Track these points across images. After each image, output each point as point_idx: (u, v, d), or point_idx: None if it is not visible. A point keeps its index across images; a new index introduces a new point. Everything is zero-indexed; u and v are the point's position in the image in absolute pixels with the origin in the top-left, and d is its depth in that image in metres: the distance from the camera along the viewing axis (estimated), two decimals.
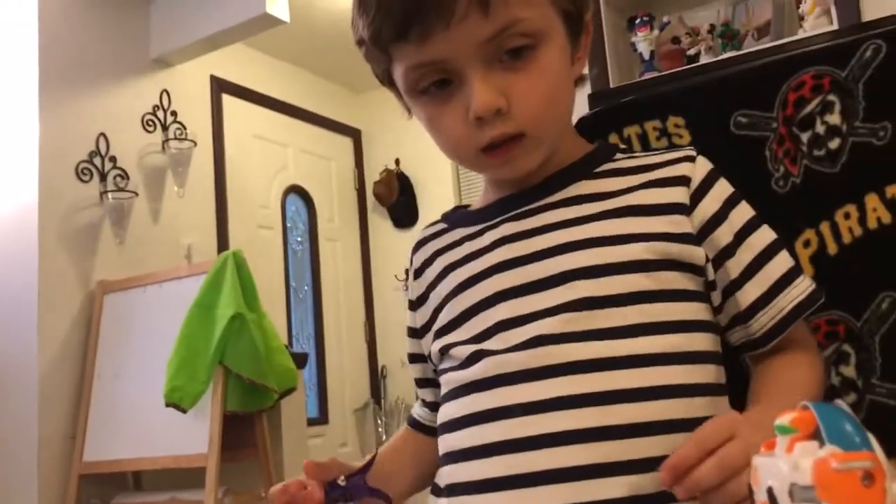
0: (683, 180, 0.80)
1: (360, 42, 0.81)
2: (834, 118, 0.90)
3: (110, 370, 2.99)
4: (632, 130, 1.01)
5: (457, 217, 0.93)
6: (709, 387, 0.74)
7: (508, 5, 0.72)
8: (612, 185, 0.81)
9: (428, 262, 0.90)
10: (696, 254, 0.77)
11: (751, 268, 0.78)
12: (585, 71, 0.87)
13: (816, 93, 0.91)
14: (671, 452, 0.62)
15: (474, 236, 0.86)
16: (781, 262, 0.79)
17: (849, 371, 0.87)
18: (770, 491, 0.35)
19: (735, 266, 0.78)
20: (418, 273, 0.92)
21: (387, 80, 0.84)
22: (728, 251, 0.78)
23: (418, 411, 0.97)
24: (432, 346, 0.85)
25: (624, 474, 0.68)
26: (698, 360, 0.75)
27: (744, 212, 0.80)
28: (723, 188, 0.81)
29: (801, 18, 2.51)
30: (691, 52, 2.71)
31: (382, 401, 4.70)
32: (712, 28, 2.73)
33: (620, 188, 0.81)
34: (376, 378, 4.78)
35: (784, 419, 0.37)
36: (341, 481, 0.76)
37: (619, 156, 0.86)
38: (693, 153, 0.83)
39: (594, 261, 0.76)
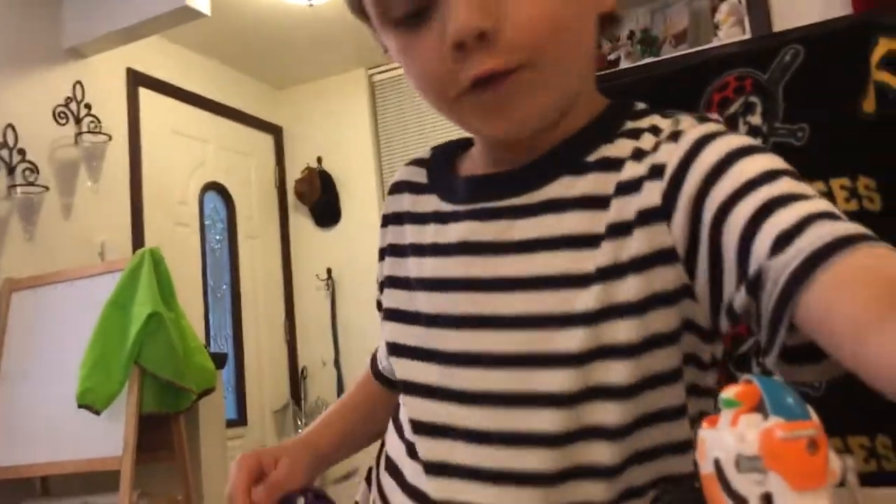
0: (656, 172, 0.60)
1: None
2: (756, 119, 0.94)
3: (18, 371, 2.87)
4: None
5: (439, 172, 0.74)
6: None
7: None
8: (600, 188, 0.61)
9: (397, 219, 0.76)
10: (681, 274, 0.58)
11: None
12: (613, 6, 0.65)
13: (739, 94, 0.95)
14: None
15: (441, 219, 0.71)
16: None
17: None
18: (717, 462, 0.37)
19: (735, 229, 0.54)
20: (386, 221, 0.78)
21: (358, 11, 0.67)
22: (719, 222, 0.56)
23: (385, 364, 0.84)
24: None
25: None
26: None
27: (733, 179, 0.56)
28: (708, 157, 0.58)
29: (717, 27, 2.61)
30: (612, 56, 2.78)
31: (302, 402, 4.65)
32: (632, 34, 2.80)
33: (608, 192, 0.61)
34: (296, 378, 4.72)
35: (728, 393, 0.38)
36: (300, 499, 0.73)
37: (628, 124, 0.64)
38: (679, 129, 0.61)
39: (553, 309, 0.60)
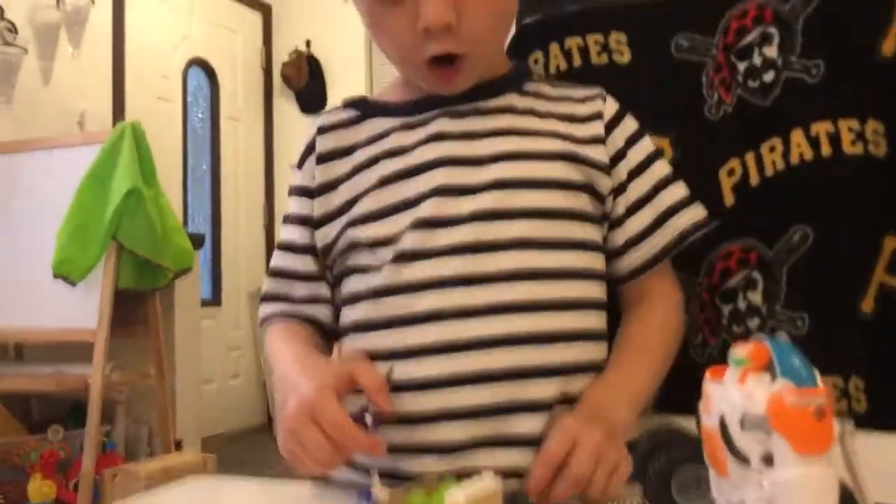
0: (598, 115, 0.85)
1: None
2: (771, 51, 0.92)
3: None
4: (573, 42, 1.00)
5: (370, 106, 0.89)
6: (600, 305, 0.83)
7: None
8: (541, 107, 0.85)
9: (344, 151, 0.86)
10: (605, 182, 0.83)
11: (636, 203, 0.84)
12: None
13: (757, 24, 0.92)
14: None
15: (404, 128, 0.84)
16: (672, 194, 0.85)
17: (755, 297, 0.92)
18: (721, 418, 0.37)
19: (622, 202, 0.84)
20: (324, 158, 0.87)
21: None
22: (620, 188, 0.84)
23: (319, 309, 0.88)
24: (341, 236, 0.83)
25: (552, 377, 0.75)
26: (596, 277, 0.83)
27: (641, 149, 0.86)
28: (628, 125, 0.86)
29: None
30: None
31: None
32: None
33: (548, 111, 0.84)
34: None
35: (738, 351, 0.39)
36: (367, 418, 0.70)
37: (536, 77, 0.90)
38: (604, 92, 0.87)
39: (525, 174, 0.79)
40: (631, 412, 0.76)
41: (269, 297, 0.89)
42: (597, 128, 0.84)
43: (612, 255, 0.84)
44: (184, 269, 2.88)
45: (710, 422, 0.38)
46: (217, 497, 0.78)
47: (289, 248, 0.88)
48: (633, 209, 0.84)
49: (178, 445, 3.05)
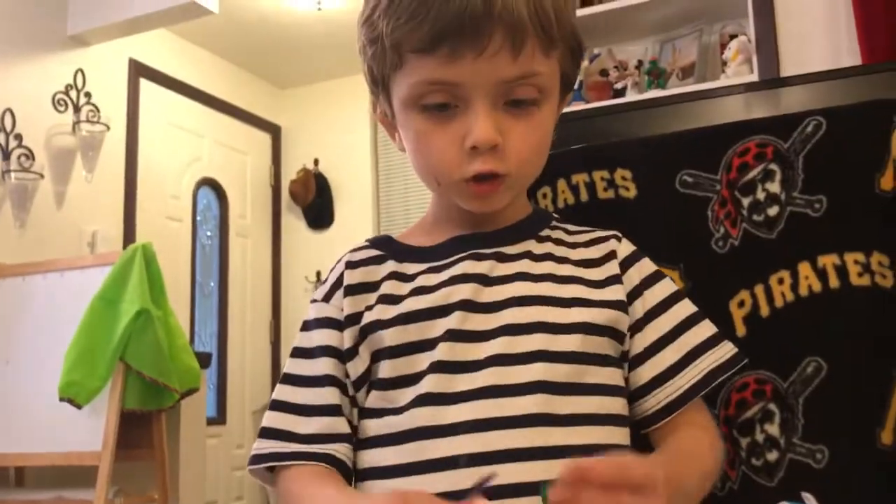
0: (613, 255, 0.86)
1: (373, 40, 0.80)
2: (774, 187, 0.95)
3: (1, 358, 2.84)
4: (580, 178, 1.03)
5: (395, 247, 0.90)
6: (624, 448, 0.80)
7: (534, 56, 0.77)
8: (558, 252, 0.86)
9: (371, 286, 0.86)
10: (624, 320, 0.83)
11: (658, 342, 0.83)
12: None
13: (759, 161, 0.96)
14: None
15: (432, 270, 0.85)
16: (693, 336, 0.84)
17: (773, 429, 0.91)
18: None
19: (640, 342, 0.83)
20: (353, 290, 0.86)
21: (379, 84, 0.84)
22: (637, 326, 0.84)
23: (336, 447, 0.82)
24: (369, 369, 0.82)
25: None
26: (618, 422, 0.80)
27: (661, 289, 0.86)
28: (645, 265, 0.87)
29: (724, 64, 2.62)
30: (618, 85, 2.79)
31: None
32: (640, 64, 2.81)
33: (564, 256, 0.86)
34: (278, 380, 4.70)
35: None
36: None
37: (554, 223, 0.91)
38: (619, 234, 0.89)
39: (545, 318, 0.80)
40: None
41: (270, 433, 0.84)
42: (612, 268, 0.85)
43: (636, 396, 0.83)
44: (190, 390, 2.87)
45: None
46: None
47: (308, 381, 0.84)
48: (653, 349, 0.83)
49: None
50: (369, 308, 0.85)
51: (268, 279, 4.76)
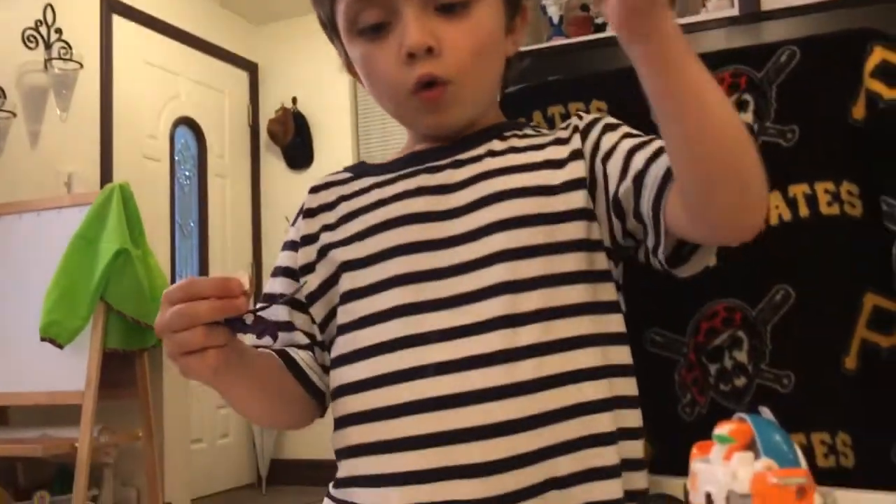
0: (575, 129, 0.85)
1: None
2: (747, 117, 0.95)
3: None
4: (556, 110, 1.03)
5: (364, 167, 0.93)
6: (611, 337, 0.79)
7: None
8: (521, 143, 0.86)
9: (328, 206, 0.89)
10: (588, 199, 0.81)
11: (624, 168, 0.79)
12: (519, 49, 0.90)
13: (733, 91, 0.96)
14: (579, 403, 0.70)
15: (385, 184, 0.86)
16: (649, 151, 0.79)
17: (741, 356, 0.93)
18: (708, 496, 0.38)
19: (615, 166, 0.80)
20: (311, 213, 0.90)
21: (329, 27, 0.88)
22: (605, 158, 0.81)
23: (301, 355, 0.86)
24: (324, 284, 0.85)
25: (533, 429, 0.72)
26: (601, 310, 0.79)
27: (619, 132, 0.83)
28: (603, 122, 0.85)
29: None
30: (599, 20, 2.76)
31: None
32: None
33: (528, 146, 0.86)
34: None
35: (723, 429, 0.40)
36: (248, 319, 0.70)
37: (527, 130, 0.89)
38: (581, 113, 0.88)
39: (506, 214, 0.79)
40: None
41: None
42: (575, 142, 0.84)
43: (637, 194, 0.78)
44: None
45: (697, 499, 0.39)
46: None
47: (269, 297, 0.89)
48: (628, 156, 0.79)
49: None
50: (328, 227, 0.87)
51: (248, 219, 4.74)
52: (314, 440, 4.33)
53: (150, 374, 2.89)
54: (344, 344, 0.82)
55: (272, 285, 0.90)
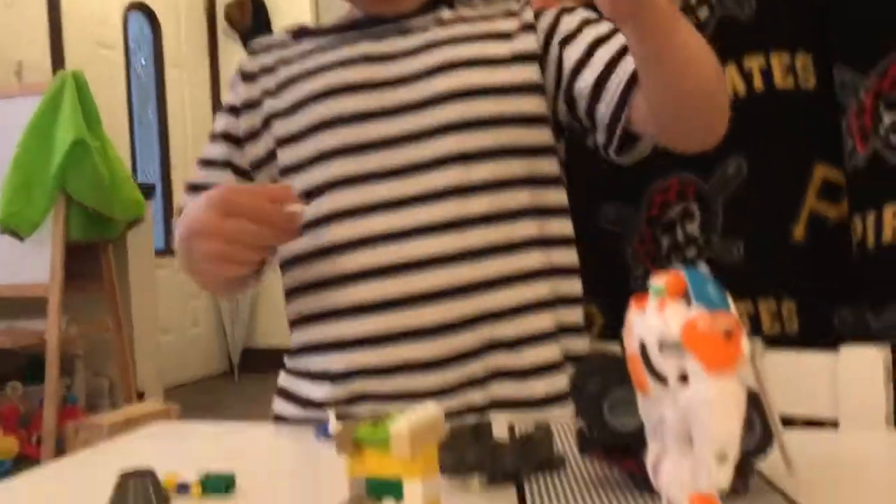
0: (527, 2, 0.86)
1: None
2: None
3: None
4: None
5: (305, 30, 0.90)
6: (552, 209, 0.81)
7: None
8: (469, 13, 0.85)
9: (268, 70, 0.87)
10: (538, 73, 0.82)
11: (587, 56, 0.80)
12: None
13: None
14: (521, 269, 0.72)
15: (327, 49, 0.85)
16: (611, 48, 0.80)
17: (693, 228, 0.95)
18: (642, 344, 0.40)
19: (574, 50, 0.81)
20: (251, 77, 0.88)
21: None
22: (565, 41, 0.82)
23: None
24: (269, 154, 0.85)
25: (479, 293, 0.75)
26: (544, 183, 0.81)
27: (576, 16, 0.84)
28: (559, 10, 0.85)
29: None
30: None
31: None
32: None
33: (477, 15, 0.84)
34: None
35: (657, 281, 0.41)
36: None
37: (476, 1, 0.88)
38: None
39: (459, 84, 0.78)
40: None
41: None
42: (527, 15, 0.83)
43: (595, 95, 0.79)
44: (135, 220, 2.86)
45: (632, 347, 0.41)
46: (180, 441, 0.80)
47: (209, 163, 0.89)
48: (591, 50, 0.80)
49: (141, 396, 3.06)
50: (269, 93, 0.86)
51: (208, 108, 4.64)
52: (285, 329, 4.39)
53: (116, 265, 2.89)
54: None
55: (212, 150, 0.89)
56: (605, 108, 0.77)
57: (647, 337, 0.40)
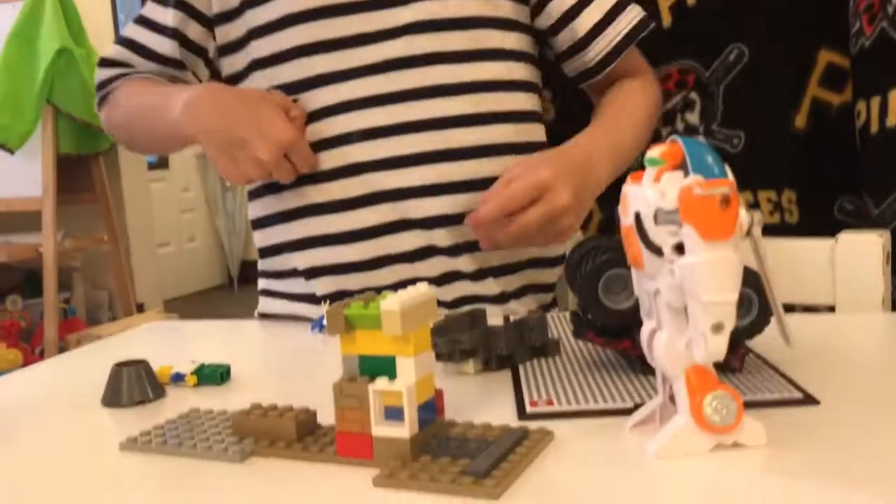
0: None
1: None
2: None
3: None
4: None
5: None
6: (532, 114, 0.81)
7: None
8: None
9: None
10: None
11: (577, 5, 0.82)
12: None
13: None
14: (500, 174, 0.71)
15: None
16: None
17: (693, 118, 0.93)
18: (637, 216, 0.39)
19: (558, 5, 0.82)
20: None
21: None
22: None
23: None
24: (241, 41, 0.81)
25: (457, 193, 0.75)
26: (523, 88, 0.80)
27: None
28: None
29: None
30: None
31: None
32: None
33: None
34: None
35: (654, 152, 0.40)
36: None
37: None
38: None
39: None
40: (611, 168, 0.76)
41: (110, 63, 0.87)
42: None
43: (569, 54, 0.83)
44: None
45: (627, 221, 0.40)
46: (176, 337, 0.80)
47: (156, 27, 0.84)
48: (575, 10, 0.82)
49: (140, 308, 3.08)
50: None
51: None
52: None
53: (108, 178, 2.86)
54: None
55: (156, 12, 0.84)
56: (573, 72, 0.84)
57: (642, 208, 0.39)
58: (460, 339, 0.54)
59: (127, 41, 0.86)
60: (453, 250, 0.76)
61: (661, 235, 0.38)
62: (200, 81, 0.86)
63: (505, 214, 0.68)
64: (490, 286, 0.78)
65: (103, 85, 0.88)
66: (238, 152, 0.70)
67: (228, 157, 0.71)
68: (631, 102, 0.82)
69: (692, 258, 0.37)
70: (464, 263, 0.76)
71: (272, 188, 0.79)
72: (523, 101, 0.80)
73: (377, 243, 0.75)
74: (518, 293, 0.80)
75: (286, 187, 0.77)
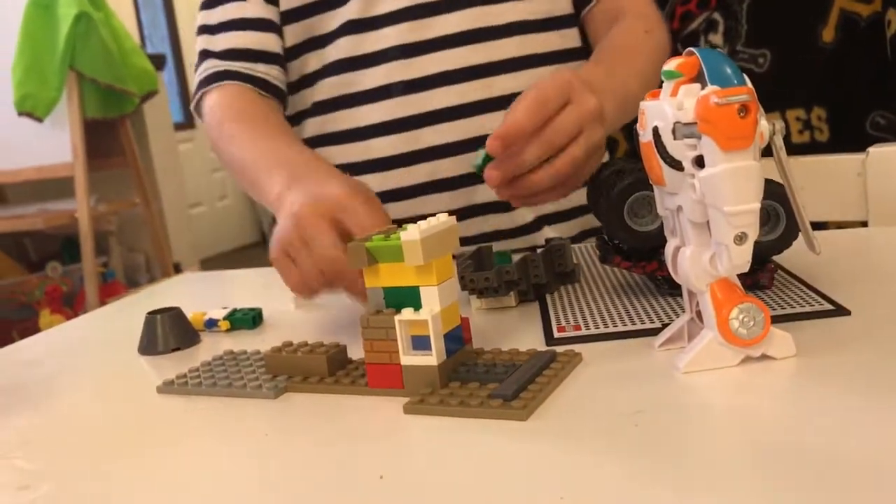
0: None
1: None
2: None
3: None
4: None
5: None
6: (577, 51, 0.78)
7: None
8: None
9: None
10: None
11: None
12: None
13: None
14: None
15: None
16: None
17: (716, 39, 0.91)
18: (655, 130, 0.38)
19: None
20: None
21: None
22: None
23: (262, 69, 0.78)
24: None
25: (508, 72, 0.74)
26: (564, 24, 0.78)
27: None
28: None
29: None
30: None
31: None
32: None
33: None
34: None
35: (670, 64, 0.39)
36: None
37: None
38: None
39: None
40: (615, 109, 0.64)
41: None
42: None
43: None
44: (149, 93, 2.82)
45: (645, 137, 0.39)
46: (210, 286, 0.82)
47: (247, 25, 0.78)
48: None
49: (177, 268, 3.13)
50: None
51: None
52: None
53: (137, 140, 2.88)
54: (301, 65, 0.80)
55: (244, 9, 0.79)
56: None
57: (660, 122, 0.38)
58: (506, 269, 0.54)
59: (223, 52, 0.80)
60: (498, 207, 0.74)
61: (680, 149, 0.38)
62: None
63: (537, 118, 0.55)
64: (548, 235, 0.77)
65: (200, 85, 0.82)
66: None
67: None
68: (636, 42, 0.74)
69: (712, 169, 0.36)
70: (520, 215, 0.75)
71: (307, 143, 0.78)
72: (571, 39, 0.78)
73: (417, 203, 0.75)
74: (577, 239, 0.79)
75: (323, 143, 0.77)
